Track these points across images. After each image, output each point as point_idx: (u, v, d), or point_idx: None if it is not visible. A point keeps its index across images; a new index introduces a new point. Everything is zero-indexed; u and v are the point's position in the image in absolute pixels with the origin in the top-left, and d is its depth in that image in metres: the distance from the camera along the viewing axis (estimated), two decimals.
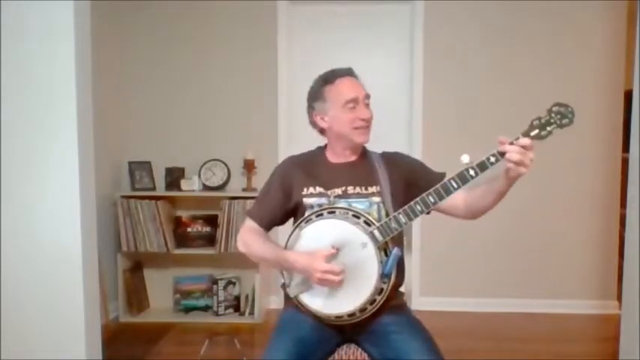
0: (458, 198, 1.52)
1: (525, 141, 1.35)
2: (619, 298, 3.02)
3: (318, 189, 1.59)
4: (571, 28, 3.37)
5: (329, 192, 1.58)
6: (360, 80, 1.63)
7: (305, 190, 1.60)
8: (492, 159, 1.39)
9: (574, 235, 3.44)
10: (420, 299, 3.44)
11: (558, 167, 3.29)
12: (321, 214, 1.53)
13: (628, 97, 2.79)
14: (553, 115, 1.39)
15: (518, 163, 1.34)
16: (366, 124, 1.59)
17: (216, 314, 3.35)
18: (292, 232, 1.56)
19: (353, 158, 1.65)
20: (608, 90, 3.37)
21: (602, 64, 3.37)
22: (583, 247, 3.45)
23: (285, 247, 1.56)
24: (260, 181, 3.17)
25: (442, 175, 1.60)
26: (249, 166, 3.36)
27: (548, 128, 1.39)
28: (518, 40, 3.38)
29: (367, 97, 1.61)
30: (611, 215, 3.42)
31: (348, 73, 1.62)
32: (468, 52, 3.41)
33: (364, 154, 1.68)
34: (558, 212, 3.44)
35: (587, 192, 3.42)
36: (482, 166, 1.40)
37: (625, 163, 2.90)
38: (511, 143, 1.36)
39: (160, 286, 3.52)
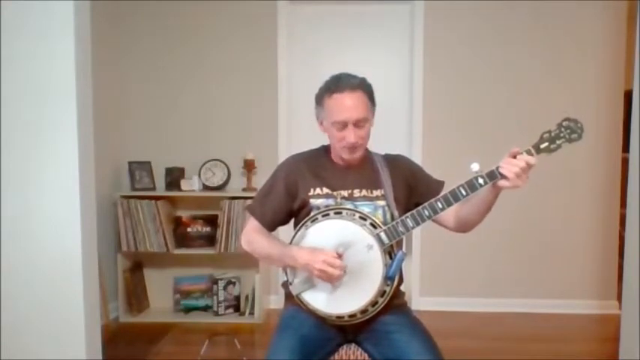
0: (449, 211, 1.51)
1: (531, 159, 1.37)
2: (619, 298, 3.02)
3: (325, 190, 1.59)
4: (571, 28, 3.37)
5: (335, 193, 1.58)
6: (367, 94, 1.55)
7: (312, 190, 1.60)
8: (502, 169, 1.39)
9: (574, 235, 3.44)
10: (420, 299, 3.44)
11: (558, 167, 3.29)
12: (327, 214, 1.54)
13: (628, 97, 2.79)
14: (563, 129, 1.42)
15: (517, 176, 1.36)
16: (352, 147, 1.55)
17: (216, 314, 3.35)
18: (297, 231, 1.57)
19: (356, 162, 1.63)
20: (608, 90, 3.37)
21: (602, 64, 3.36)
22: (583, 247, 3.45)
23: (290, 245, 1.56)
24: (260, 181, 3.17)
25: (441, 183, 1.64)
26: (249, 166, 3.36)
27: (558, 142, 1.41)
28: (518, 40, 3.38)
29: (362, 120, 1.52)
30: (611, 215, 3.42)
31: (352, 87, 1.52)
32: (467, 52, 3.41)
33: (367, 156, 1.67)
34: (558, 212, 3.44)
35: (587, 192, 3.43)
36: (491, 176, 1.41)
37: (625, 163, 2.90)
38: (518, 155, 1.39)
39: (160, 286, 3.52)
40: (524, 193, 3.20)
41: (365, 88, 1.56)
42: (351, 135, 1.52)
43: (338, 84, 1.54)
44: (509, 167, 1.37)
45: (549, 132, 1.42)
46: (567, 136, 1.41)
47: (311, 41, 3.49)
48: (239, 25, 3.44)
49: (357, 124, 1.53)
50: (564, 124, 1.42)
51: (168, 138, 3.51)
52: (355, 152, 1.58)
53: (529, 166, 1.37)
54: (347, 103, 1.52)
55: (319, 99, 1.59)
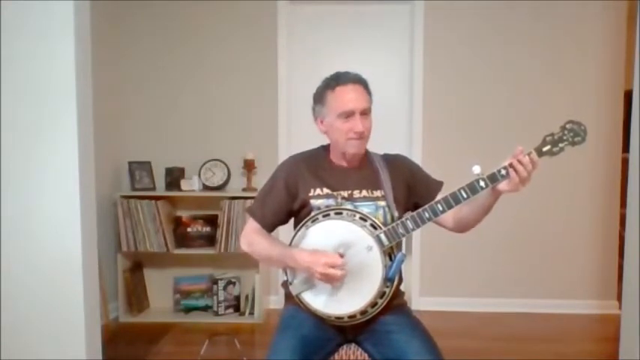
0: (448, 212, 1.50)
1: (537, 159, 1.37)
2: (619, 298, 3.02)
3: (325, 190, 1.59)
4: (571, 28, 3.37)
5: (335, 194, 1.58)
6: (366, 88, 1.59)
7: (312, 191, 1.59)
8: (503, 171, 1.39)
9: (574, 235, 3.44)
10: (420, 299, 3.44)
11: (558, 167, 3.28)
12: (328, 215, 1.53)
13: (628, 97, 2.79)
14: (566, 132, 1.40)
15: (522, 179, 1.36)
16: (359, 137, 1.56)
17: (216, 314, 3.35)
18: (298, 231, 1.56)
19: (355, 162, 1.64)
20: (608, 90, 3.37)
21: (602, 64, 3.36)
22: (583, 247, 3.45)
23: (290, 245, 1.56)
24: (260, 181, 3.17)
25: (440, 184, 1.64)
26: (249, 166, 3.36)
27: (561, 145, 1.40)
28: (518, 40, 3.38)
29: (367, 110, 1.56)
30: (611, 215, 3.42)
31: (353, 80, 1.57)
32: (467, 52, 3.41)
33: (366, 156, 1.67)
34: (558, 212, 3.44)
35: (587, 192, 3.42)
36: (493, 178, 1.41)
37: (625, 163, 2.90)
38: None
39: (160, 286, 3.52)
40: (525, 194, 3.20)
41: (363, 82, 1.60)
42: (358, 124, 1.54)
43: (339, 78, 1.57)
44: (521, 169, 1.36)
45: (552, 135, 1.40)
46: (570, 139, 1.40)
47: (311, 41, 3.49)
48: (239, 25, 3.44)
49: (363, 113, 1.55)
50: (567, 126, 1.40)
51: (168, 138, 3.51)
52: (362, 144, 1.59)
53: (534, 168, 1.37)
54: (352, 94, 1.55)
55: (319, 97, 1.60)
